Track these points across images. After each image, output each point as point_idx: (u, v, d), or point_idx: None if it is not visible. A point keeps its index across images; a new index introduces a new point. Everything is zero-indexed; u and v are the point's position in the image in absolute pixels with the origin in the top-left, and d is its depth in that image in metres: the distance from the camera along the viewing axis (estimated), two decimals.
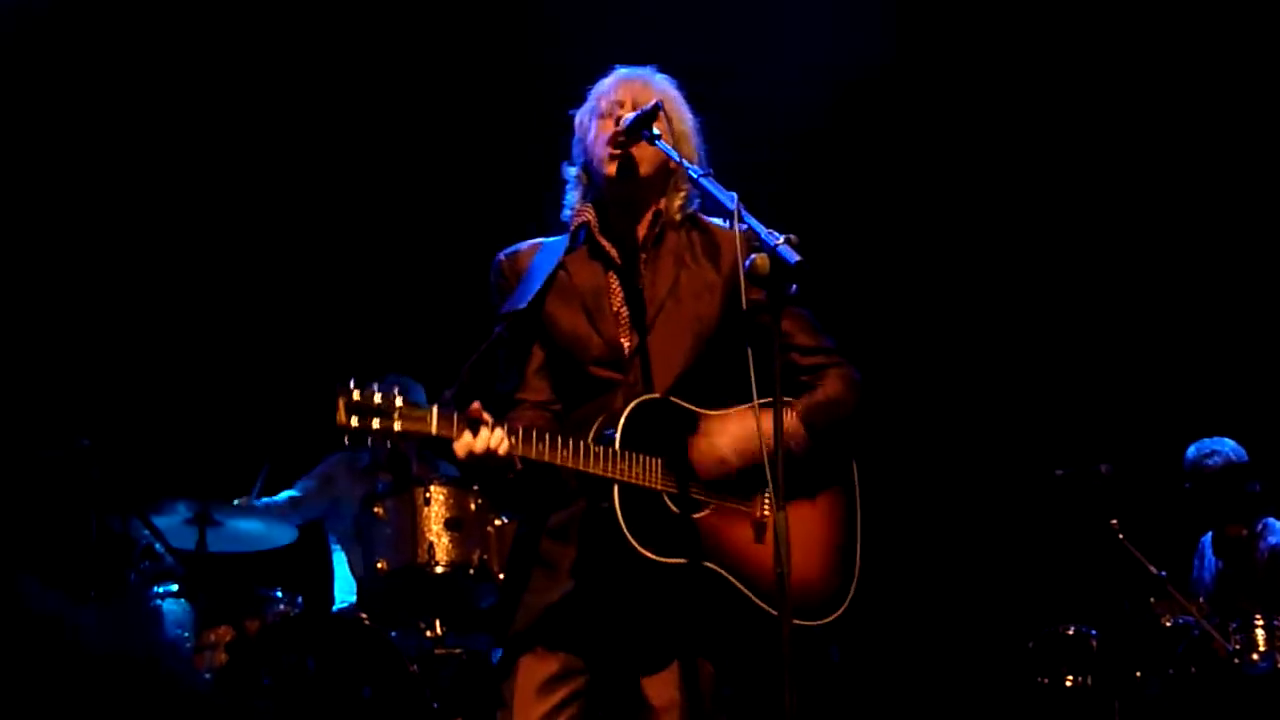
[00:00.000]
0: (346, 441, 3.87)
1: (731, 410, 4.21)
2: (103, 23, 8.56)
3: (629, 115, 4.20)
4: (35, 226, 8.66)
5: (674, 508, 4.10)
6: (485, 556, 6.92)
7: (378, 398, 3.84)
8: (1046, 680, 7.23)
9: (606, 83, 4.42)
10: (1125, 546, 7.10)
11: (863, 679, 8.35)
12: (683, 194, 4.35)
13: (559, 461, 3.98)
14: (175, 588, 7.29)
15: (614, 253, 4.34)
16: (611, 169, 4.28)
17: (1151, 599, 7.19)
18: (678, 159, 4.13)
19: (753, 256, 3.79)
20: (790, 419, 4.18)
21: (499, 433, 3.92)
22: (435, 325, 8.52)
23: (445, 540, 6.90)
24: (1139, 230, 9.04)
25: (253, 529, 7.52)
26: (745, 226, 3.95)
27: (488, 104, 8.96)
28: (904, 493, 8.51)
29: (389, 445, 3.92)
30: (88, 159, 8.71)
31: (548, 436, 3.98)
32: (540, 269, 4.33)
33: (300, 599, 7.51)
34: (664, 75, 4.44)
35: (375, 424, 3.84)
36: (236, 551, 7.65)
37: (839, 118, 8.92)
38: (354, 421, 3.83)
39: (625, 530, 3.98)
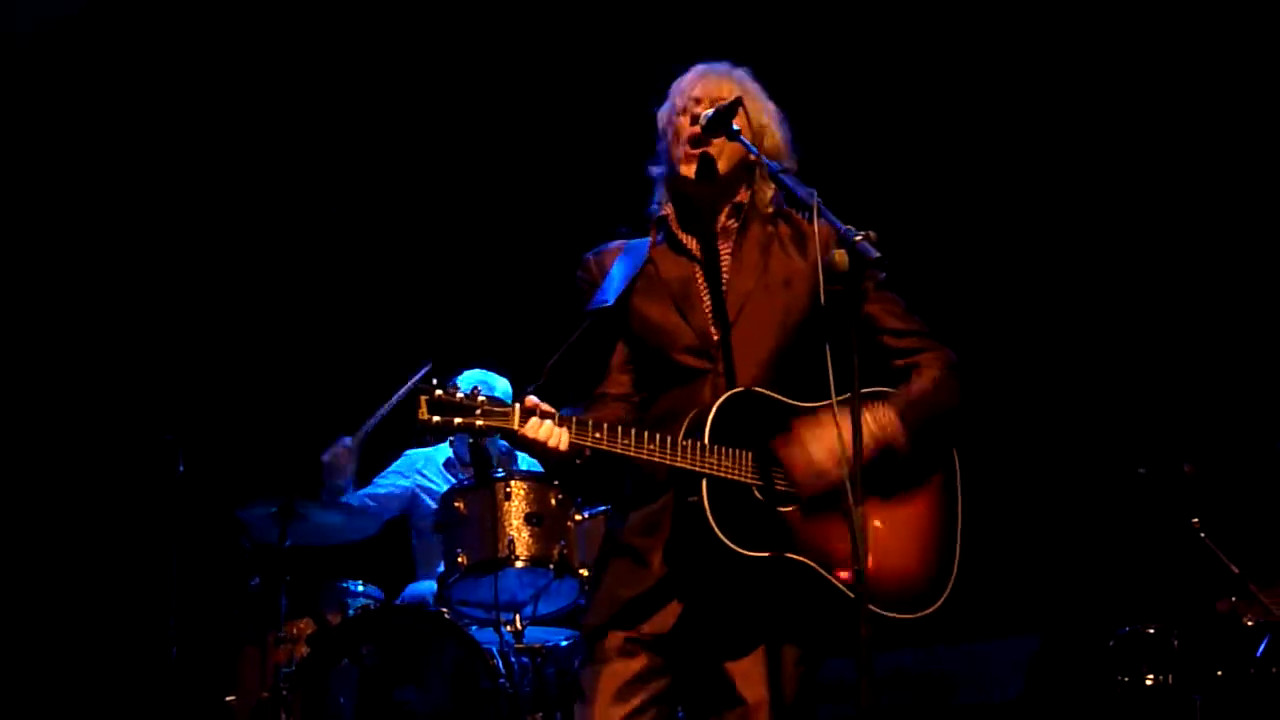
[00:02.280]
0: (428, 438, 3.92)
1: (822, 413, 4.12)
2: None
3: (707, 112, 4.21)
4: (118, 227, 8.78)
5: (766, 502, 4.09)
6: (565, 551, 6.93)
7: (460, 395, 3.90)
8: (1127, 679, 7.18)
9: (685, 79, 4.42)
10: (1207, 545, 7.05)
11: (942, 676, 8.33)
12: (771, 185, 4.35)
13: (645, 456, 4.00)
14: (258, 580, 7.36)
15: (696, 246, 4.36)
16: (689, 169, 4.30)
17: (1233, 598, 7.12)
18: (757, 154, 4.14)
19: (832, 252, 3.80)
20: (891, 416, 4.18)
21: (555, 427, 3.98)
22: (518, 320, 8.57)
23: (525, 535, 6.92)
24: (1224, 224, 8.96)
25: (335, 522, 7.57)
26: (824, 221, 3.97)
27: (575, 102, 9.01)
28: (986, 489, 8.46)
29: (473, 441, 3.99)
30: (173, 165, 8.83)
31: (633, 431, 4.00)
32: (625, 266, 4.36)
33: (380, 592, 7.57)
34: (743, 68, 4.44)
35: (457, 421, 3.89)
36: (319, 544, 7.70)
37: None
38: (436, 419, 3.88)
39: (713, 524, 3.99)
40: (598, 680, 4.16)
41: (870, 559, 4.08)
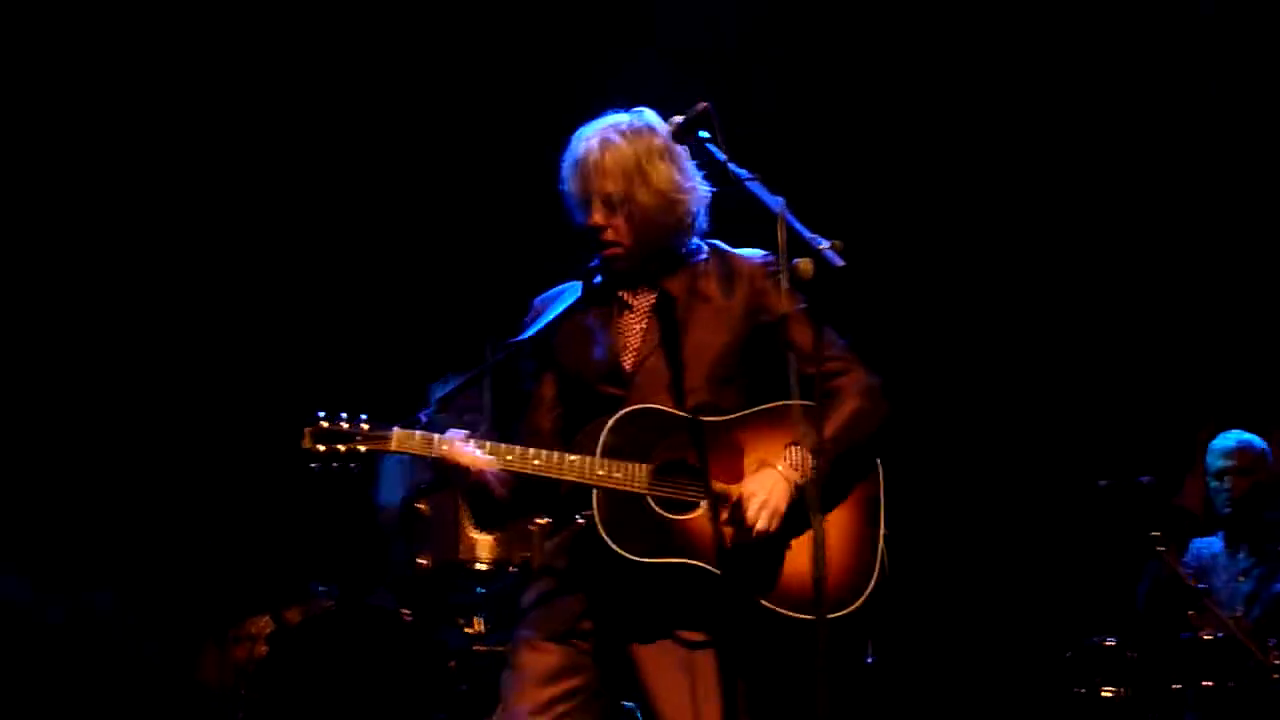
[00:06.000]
0: (312, 466, 4.12)
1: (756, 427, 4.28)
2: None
3: (678, 119, 4.19)
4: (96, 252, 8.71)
5: (661, 511, 4.16)
6: (527, 555, 6.94)
7: (344, 424, 4.16)
8: (1083, 691, 7.20)
9: (566, 164, 4.40)
10: (1166, 559, 7.09)
11: (900, 686, 8.34)
12: (687, 226, 4.38)
13: (531, 471, 4.16)
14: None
15: (623, 293, 4.43)
16: (615, 266, 4.38)
17: (1190, 612, 7.16)
18: (724, 158, 4.09)
19: (795, 260, 3.80)
20: (802, 464, 4.23)
21: (470, 448, 4.18)
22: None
23: (487, 537, 6.93)
24: (1186, 241, 9.00)
25: None
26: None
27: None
28: (946, 502, 8.51)
29: (354, 467, 4.22)
30: (171, 192, 8.75)
31: (517, 449, 4.17)
32: (557, 305, 4.48)
33: (338, 590, 7.55)
34: (630, 120, 4.38)
35: (341, 447, 4.15)
36: None
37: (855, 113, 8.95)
38: (319, 447, 4.15)
39: (603, 533, 4.10)
40: (513, 670, 4.26)
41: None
